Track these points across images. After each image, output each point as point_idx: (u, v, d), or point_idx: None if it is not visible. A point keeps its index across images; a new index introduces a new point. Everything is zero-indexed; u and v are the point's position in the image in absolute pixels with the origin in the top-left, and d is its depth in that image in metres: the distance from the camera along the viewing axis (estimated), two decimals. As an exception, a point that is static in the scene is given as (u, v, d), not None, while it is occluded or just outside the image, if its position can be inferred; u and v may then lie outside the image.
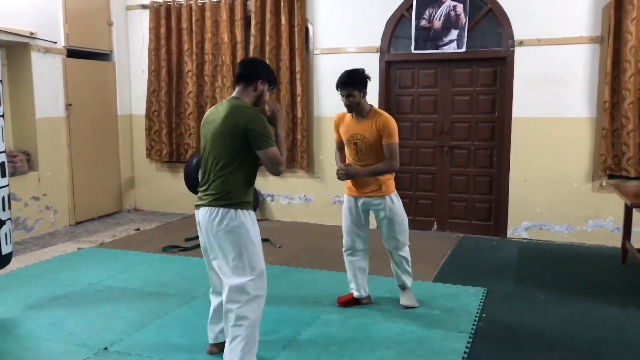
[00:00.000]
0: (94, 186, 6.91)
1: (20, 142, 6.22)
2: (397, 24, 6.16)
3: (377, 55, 6.23)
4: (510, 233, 6.00)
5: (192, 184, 6.82)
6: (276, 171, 2.85)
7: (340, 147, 3.92)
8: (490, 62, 5.95)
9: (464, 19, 5.80)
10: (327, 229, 6.38)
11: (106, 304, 4.07)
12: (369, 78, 3.69)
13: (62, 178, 6.51)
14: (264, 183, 6.89)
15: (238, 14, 6.62)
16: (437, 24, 5.89)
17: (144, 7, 7.11)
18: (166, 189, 7.37)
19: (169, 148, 7.17)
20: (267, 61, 6.48)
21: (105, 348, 3.33)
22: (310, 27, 6.48)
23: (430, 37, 5.94)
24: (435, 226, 6.37)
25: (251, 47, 6.58)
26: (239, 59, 6.66)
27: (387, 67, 6.27)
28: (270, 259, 5.18)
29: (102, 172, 7.05)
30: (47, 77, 6.24)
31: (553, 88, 5.68)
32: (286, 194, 6.82)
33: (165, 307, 4.01)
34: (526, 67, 5.73)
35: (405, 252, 3.95)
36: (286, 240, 5.91)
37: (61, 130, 6.47)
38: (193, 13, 6.81)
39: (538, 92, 5.73)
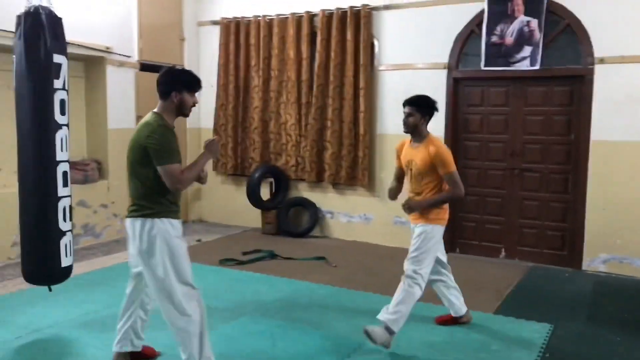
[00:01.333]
0: (160, 196, 7.08)
1: (93, 151, 6.50)
2: (466, 40, 5.92)
3: (444, 72, 6.00)
4: (585, 265, 5.53)
5: (255, 198, 6.86)
6: (170, 187, 2.87)
7: (399, 176, 3.88)
8: (567, 81, 5.56)
9: (538, 35, 5.47)
10: (386, 251, 6.18)
11: (156, 314, 4.08)
12: (436, 109, 3.69)
13: (130, 187, 6.71)
14: (324, 200, 6.79)
15: (304, 30, 6.62)
16: (509, 40, 5.59)
17: (214, 23, 7.28)
18: (230, 201, 7.44)
19: (234, 161, 7.26)
20: (332, 77, 6.43)
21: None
22: (376, 42, 6.36)
23: (501, 53, 5.65)
24: (503, 253, 6.00)
25: (316, 63, 6.55)
26: (304, 75, 6.65)
27: (455, 84, 6.02)
28: (325, 278, 5.07)
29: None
30: (120, 90, 6.49)
31: (636, 109, 5.22)
32: (346, 211, 6.69)
33: (211, 321, 3.95)
34: (607, 86, 5.30)
35: (408, 284, 3.57)
36: (343, 259, 5.76)
37: (131, 141, 6.69)
38: (261, 29, 6.88)
39: (619, 113, 5.28)
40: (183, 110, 2.99)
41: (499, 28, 5.63)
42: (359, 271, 5.39)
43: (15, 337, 3.67)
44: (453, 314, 3.96)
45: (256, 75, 6.98)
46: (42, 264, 3.74)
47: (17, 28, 3.72)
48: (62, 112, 3.76)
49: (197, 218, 7.66)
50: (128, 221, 2.98)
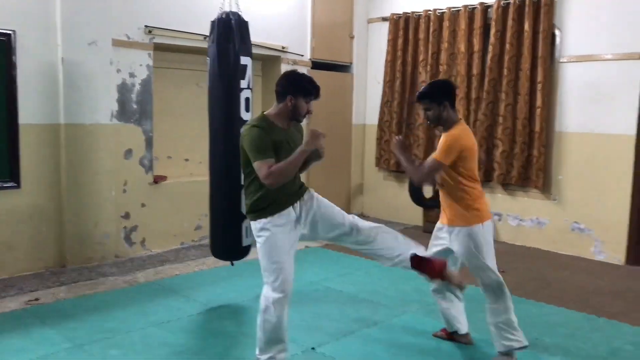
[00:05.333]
0: (325, 189, 7.19)
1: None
2: (669, 26, 5.20)
3: (638, 63, 5.33)
4: None
5: (416, 196, 6.75)
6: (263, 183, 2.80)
7: None
8: None
9: None
10: (561, 259, 5.69)
11: (321, 304, 4.22)
12: (451, 89, 3.27)
13: (298, 180, 7.03)
14: (491, 200, 6.46)
15: (477, 22, 6.34)
16: None
17: (384, 19, 7.30)
18: (392, 197, 7.43)
19: (397, 158, 7.21)
20: (506, 70, 6.08)
21: (313, 348, 3.43)
22: (557, 32, 5.86)
23: None
24: None
25: (489, 56, 6.24)
26: (474, 70, 6.38)
27: (652, 77, 5.33)
28: (491, 282, 4.81)
29: (334, 177, 7.43)
30: (293, 87, 6.80)
31: None
32: (516, 214, 6.28)
33: (376, 317, 3.99)
34: None
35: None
36: (511, 265, 5.41)
37: (301, 136, 7.00)
38: (431, 23, 6.74)
39: None
40: (296, 116, 2.95)
41: None
42: (529, 278, 5.03)
43: (197, 311, 4.03)
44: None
45: (423, 70, 6.86)
46: (228, 242, 4.26)
47: (210, 33, 4.16)
48: (247, 109, 4.20)
49: (358, 212, 7.78)
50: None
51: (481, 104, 6.34)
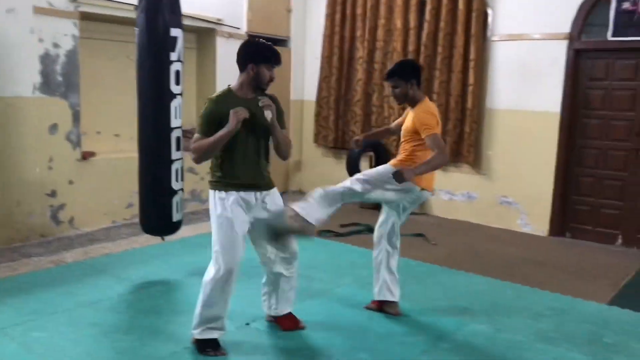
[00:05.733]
0: (263, 166, 7.25)
1: (202, 120, 6.75)
2: (592, 8, 5.41)
3: (564, 43, 5.55)
4: None
5: (354, 172, 6.81)
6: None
7: (392, 129, 3.83)
8: None
9: (679, 0, 4.88)
10: (490, 231, 5.92)
11: (257, 280, 4.19)
12: (417, 68, 3.49)
13: (235, 156, 6.93)
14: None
15: (413, -1, 6.39)
16: (644, 6, 5.04)
17: (322, -7, 7.24)
18: (330, 174, 7.45)
19: (335, 134, 7.24)
20: (440, 48, 6.18)
21: (247, 324, 3.43)
22: (489, 11, 6.00)
23: (634, 22, 5.11)
24: (620, 241, 5.53)
25: (424, 32, 6.31)
26: (410, 46, 6.44)
27: (576, 56, 5.55)
28: (424, 255, 4.96)
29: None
30: (229, 61, 6.53)
31: None
32: (448, 189, 6.46)
33: (311, 291, 4.02)
34: None
35: None
36: (443, 238, 5.59)
37: (238, 112, 6.89)
38: (368, -1, 6.74)
39: None
40: (259, 84, 2.94)
41: (632, -7, 5.10)
42: (460, 251, 5.21)
43: (128, 290, 3.93)
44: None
45: (361, 46, 6.87)
46: (157, 217, 4.21)
47: (139, 1, 3.96)
48: (177, 83, 4.06)
49: (296, 189, 7.78)
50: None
51: (416, 80, 6.43)
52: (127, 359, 2.98)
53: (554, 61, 5.63)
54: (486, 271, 4.57)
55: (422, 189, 3.43)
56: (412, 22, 6.41)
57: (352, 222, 6.03)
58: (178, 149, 4.22)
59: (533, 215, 5.89)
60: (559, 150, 5.70)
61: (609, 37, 5.27)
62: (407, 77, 3.37)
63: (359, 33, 6.89)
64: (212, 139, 2.83)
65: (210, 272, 2.98)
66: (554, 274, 4.64)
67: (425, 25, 6.28)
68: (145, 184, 4.18)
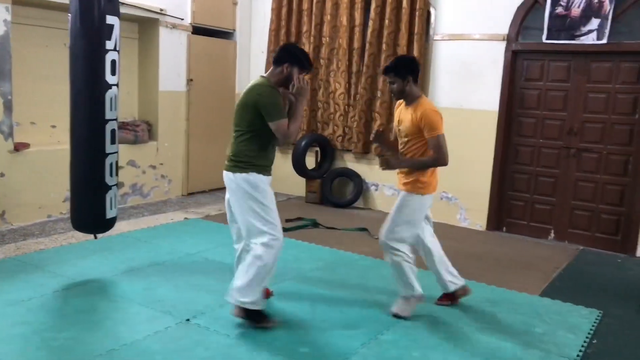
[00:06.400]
0: (207, 160, 7.16)
1: (144, 112, 6.59)
2: (529, 11, 5.63)
3: (503, 44, 5.75)
4: (640, 252, 5.29)
5: (299, 166, 6.85)
6: (282, 142, 3.25)
7: (395, 135, 3.75)
8: (636, 57, 5.22)
9: (608, 7, 5.14)
10: (431, 225, 6.06)
11: (199, 276, 4.15)
12: (415, 66, 3.51)
13: (178, 150, 6.81)
14: (369, 171, 6.71)
15: (359, -4, 6.45)
16: (576, 11, 5.28)
17: (268, -13, 7.19)
18: (275, 169, 7.31)
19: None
20: (384, 45, 6.27)
21: (188, 319, 3.37)
22: (432, 11, 6.14)
23: (566, 26, 5.35)
24: (553, 235, 5.80)
25: (369, 30, 6.39)
26: (356, 43, 6.51)
27: (514, 57, 5.76)
28: (367, 249, 5.03)
29: (216, 147, 7.27)
30: (172, 53, 6.53)
31: None
32: (391, 184, 6.58)
33: (253, 286, 4.00)
34: (680, 63, 4.96)
35: (398, 256, 3.53)
36: (386, 232, 5.68)
37: (181, 104, 6.77)
38: (314, -6, 6.75)
39: (692, 93, 4.94)
40: (287, 83, 3.26)
41: (564, -2, 5.33)
42: (401, 245, 5.30)
43: (63, 287, 3.80)
44: (445, 291, 3.82)
45: (307, 41, 6.88)
46: (89, 214, 3.99)
47: (73, -14, 3.78)
48: (113, 73, 3.88)
49: (242, 183, 7.71)
50: (225, 173, 3.35)
51: (361, 77, 6.51)
52: (59, 357, 2.87)
53: (493, 61, 5.82)
54: (424, 264, 4.67)
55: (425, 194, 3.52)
56: (358, 20, 6.48)
57: (297, 217, 6.05)
58: (113, 142, 3.99)
59: (471, 210, 6.08)
60: (496, 147, 5.91)
61: (544, 40, 5.49)
62: (403, 74, 3.41)
63: (305, 28, 6.89)
64: (298, 116, 3.23)
65: (270, 245, 3.23)
66: (490, 266, 4.81)
67: (370, 23, 6.36)
68: (77, 178, 3.97)
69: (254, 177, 3.21)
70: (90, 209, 3.97)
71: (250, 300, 3.21)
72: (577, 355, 3.19)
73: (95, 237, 4.27)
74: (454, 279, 3.77)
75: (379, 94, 6.39)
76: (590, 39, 5.26)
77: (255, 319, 3.29)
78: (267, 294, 3.65)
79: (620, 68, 5.33)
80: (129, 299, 3.66)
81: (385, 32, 6.27)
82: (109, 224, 4.09)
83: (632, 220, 5.33)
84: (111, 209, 4.01)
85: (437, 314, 3.68)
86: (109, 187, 3.97)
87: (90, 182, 3.92)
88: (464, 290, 3.81)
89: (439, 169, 3.55)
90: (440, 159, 3.36)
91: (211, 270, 4.29)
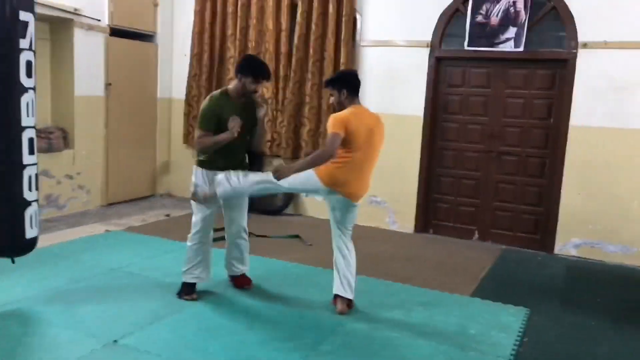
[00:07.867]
0: (128, 168, 6.83)
1: (58, 118, 6.17)
2: (450, 19, 5.80)
3: (427, 50, 5.88)
4: (557, 249, 5.57)
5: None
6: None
7: None
8: (550, 64, 5.52)
9: (524, 16, 5.39)
10: (361, 230, 6.01)
11: (124, 293, 3.91)
12: (349, 79, 3.66)
13: (97, 158, 6.44)
14: (300, 177, 6.65)
15: (285, 0, 6.38)
16: (495, 20, 5.50)
17: (190, -12, 6.97)
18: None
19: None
20: (312, 50, 6.25)
21: (115, 341, 3.15)
22: (358, 17, 6.18)
23: (485, 33, 5.56)
24: (477, 235, 6.00)
25: (296, 35, 6.34)
26: (282, 48, 6.44)
27: (437, 64, 5.92)
28: (298, 256, 4.96)
29: (137, 155, 6.96)
30: (89, 55, 6.16)
31: (618, 96, 5.21)
32: (321, 190, 6.55)
33: (183, 301, 3.82)
34: (589, 71, 5.28)
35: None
36: (318, 238, 5.63)
37: (99, 110, 6.40)
38: (239, -3, 6.61)
39: (601, 99, 5.27)
40: (246, 92, 3.63)
41: (484, 7, 5.53)
42: (332, 250, 5.27)
43: (-27, 312, 3.45)
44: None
45: (232, 45, 6.73)
46: (5, 235, 3.50)
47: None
48: (29, 75, 3.48)
49: (165, 192, 7.43)
50: None
51: (289, 82, 6.44)
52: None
53: (417, 68, 5.94)
54: (360, 270, 4.62)
55: (327, 186, 3.56)
56: (284, 24, 6.41)
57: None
58: (32, 152, 3.55)
59: (400, 213, 6.18)
60: (422, 152, 6.04)
61: (465, 47, 5.68)
62: (338, 86, 3.59)
63: (230, 32, 6.74)
64: (212, 140, 3.56)
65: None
66: (420, 269, 4.89)
67: (297, 28, 6.31)
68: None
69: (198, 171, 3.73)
70: (6, 230, 3.49)
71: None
72: (511, 355, 3.27)
73: (13, 262, 3.69)
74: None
75: (307, 99, 6.35)
76: (508, 47, 5.49)
77: None
78: (242, 282, 4.05)
79: (536, 75, 5.60)
80: (47, 321, 3.37)
81: (312, 37, 6.24)
82: (30, 244, 3.61)
83: (550, 219, 5.61)
84: (32, 227, 3.55)
85: (376, 318, 3.67)
86: (29, 203, 3.52)
87: (6, 198, 3.45)
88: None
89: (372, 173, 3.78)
90: (322, 152, 3.48)
91: (137, 286, 4.06)
